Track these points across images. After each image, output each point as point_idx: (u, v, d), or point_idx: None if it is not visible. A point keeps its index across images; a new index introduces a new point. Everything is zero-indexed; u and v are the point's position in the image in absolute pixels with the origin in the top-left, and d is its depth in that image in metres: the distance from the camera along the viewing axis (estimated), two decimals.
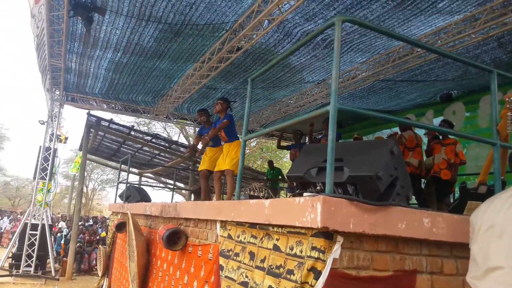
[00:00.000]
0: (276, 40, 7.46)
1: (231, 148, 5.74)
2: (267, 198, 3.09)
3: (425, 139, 6.91)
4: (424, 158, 6.59)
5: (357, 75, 8.79)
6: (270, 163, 11.40)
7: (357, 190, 2.45)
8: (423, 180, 6.67)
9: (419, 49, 7.30)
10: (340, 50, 2.39)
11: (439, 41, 6.84)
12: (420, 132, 6.72)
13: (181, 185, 18.25)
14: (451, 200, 6.37)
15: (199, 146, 6.67)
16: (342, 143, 2.87)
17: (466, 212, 3.26)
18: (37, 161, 11.48)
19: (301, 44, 2.75)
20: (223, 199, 6.35)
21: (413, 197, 6.52)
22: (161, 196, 43.04)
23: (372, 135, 11.18)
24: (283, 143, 11.32)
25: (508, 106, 2.73)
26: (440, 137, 6.36)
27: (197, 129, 24.39)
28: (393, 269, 2.21)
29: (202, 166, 6.42)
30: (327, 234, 2.04)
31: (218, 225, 3.26)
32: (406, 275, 2.25)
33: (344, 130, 11.93)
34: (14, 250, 11.27)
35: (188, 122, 14.28)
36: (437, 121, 9.39)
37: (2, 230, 19.94)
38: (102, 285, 8.68)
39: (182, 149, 14.52)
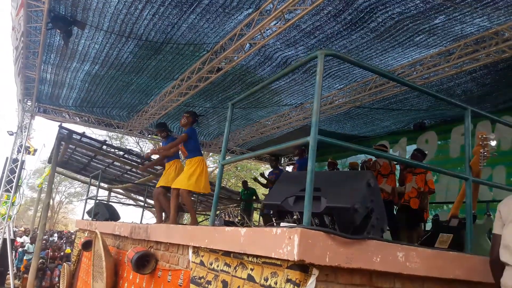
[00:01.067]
0: (256, 62, 7.53)
1: (190, 165, 5.31)
2: (242, 224, 3.04)
3: (398, 166, 7.05)
4: (397, 185, 6.70)
5: (334, 100, 8.93)
6: (244, 183, 11.34)
7: (333, 221, 2.44)
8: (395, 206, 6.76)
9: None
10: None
11: (414, 72, 7.06)
12: None
13: (152, 202, 17.86)
14: (423, 228, 6.48)
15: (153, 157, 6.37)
16: (320, 172, 2.88)
17: (437, 245, 3.30)
18: (3, 172, 11.04)
19: (283, 74, 2.77)
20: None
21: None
22: (130, 212, 42.11)
23: (346, 159, 11.32)
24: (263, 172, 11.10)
25: (480, 143, 2.81)
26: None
27: None
28: None
29: (158, 183, 6.00)
30: (303, 267, 2.02)
31: (191, 251, 3.19)
32: None
33: (318, 153, 11.99)
34: None
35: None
36: (410, 148, 9.61)
37: None
38: None
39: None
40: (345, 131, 10.81)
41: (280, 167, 8.66)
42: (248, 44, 6.66)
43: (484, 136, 2.84)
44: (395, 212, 6.71)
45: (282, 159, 15.16)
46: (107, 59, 7.91)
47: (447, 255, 2.55)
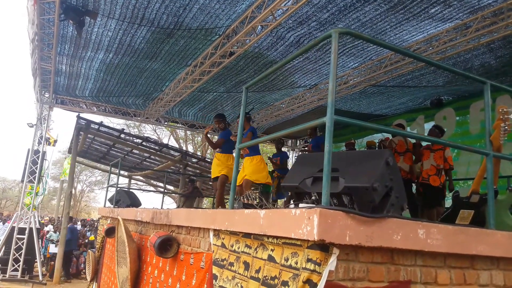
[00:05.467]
0: (269, 43, 7.46)
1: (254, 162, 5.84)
2: (261, 206, 3.07)
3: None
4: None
5: (349, 80, 8.83)
6: None
7: (352, 201, 2.45)
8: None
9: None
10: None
11: (430, 48, 6.91)
12: None
13: (172, 187, 18.13)
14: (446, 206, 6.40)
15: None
16: (338, 152, 2.87)
17: (458, 221, 3.28)
18: (26, 164, 11.32)
19: (296, 55, 2.74)
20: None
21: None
22: (151, 199, 42.71)
23: (362, 139, 11.23)
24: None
25: (501, 117, 2.75)
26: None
27: (188, 132, 24.12)
28: (388, 280, 2.21)
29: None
30: (323, 246, 2.03)
31: (211, 234, 3.24)
32: (401, 286, 2.25)
33: (334, 133, 11.92)
34: (0, 254, 11.09)
35: (179, 125, 14.21)
36: (428, 126, 9.48)
37: None
38: None
39: (172, 152, 14.45)
40: (361, 110, 10.69)
41: (283, 150, 8.62)
42: (259, 26, 6.60)
43: (504, 110, 2.78)
44: (414, 191, 6.66)
45: (298, 141, 15.14)
46: (120, 46, 7.95)
47: (469, 231, 2.53)
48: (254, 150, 5.96)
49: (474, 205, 3.21)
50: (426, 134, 8.88)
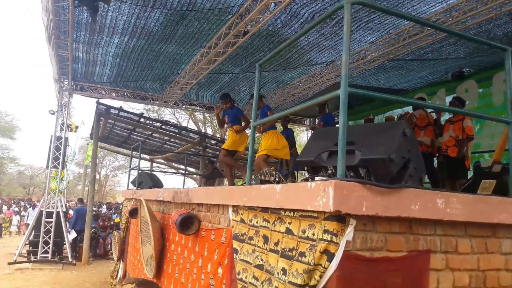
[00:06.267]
0: (283, 21, 7.35)
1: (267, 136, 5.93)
2: (278, 183, 3.10)
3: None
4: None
5: (367, 55, 8.66)
6: None
7: (369, 173, 2.44)
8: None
9: (429, 28, 7.16)
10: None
11: (450, 19, 6.69)
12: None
13: (193, 170, 18.37)
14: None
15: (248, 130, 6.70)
16: (354, 126, 2.85)
17: (480, 191, 3.24)
18: (49, 150, 11.62)
19: (308, 29, 2.71)
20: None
21: (426, 176, 6.48)
22: (172, 181, 43.46)
23: (383, 115, 11.08)
24: None
25: None
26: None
27: (206, 114, 24.26)
28: (407, 249, 2.21)
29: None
30: (340, 217, 2.05)
31: (230, 210, 3.29)
32: (420, 255, 2.25)
33: (353, 110, 11.83)
34: (31, 237, 11.52)
35: (197, 108, 14.28)
36: (449, 99, 9.25)
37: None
38: (118, 269, 8.87)
39: (192, 134, 14.58)
40: (380, 85, 10.51)
41: (288, 127, 8.60)
42: (273, 4, 6.51)
43: None
44: (435, 165, 6.58)
45: (316, 120, 15.05)
46: (135, 30, 7.97)
47: (490, 199, 2.50)
48: (270, 127, 6.03)
49: (496, 175, 3.16)
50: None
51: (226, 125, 6.80)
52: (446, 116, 7.38)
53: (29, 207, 20.91)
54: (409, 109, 8.48)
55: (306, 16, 7.08)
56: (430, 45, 7.77)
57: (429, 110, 6.67)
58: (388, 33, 7.75)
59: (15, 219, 20.51)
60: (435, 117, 6.76)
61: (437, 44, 7.71)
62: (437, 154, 6.50)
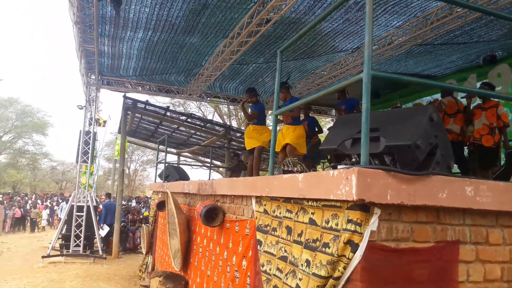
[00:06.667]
0: (306, 7, 7.20)
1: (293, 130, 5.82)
2: (301, 172, 3.04)
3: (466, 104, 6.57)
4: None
5: (393, 40, 8.41)
6: None
7: (394, 161, 2.36)
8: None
9: (459, 9, 6.87)
10: (374, 13, 2.26)
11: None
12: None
13: (218, 163, 18.49)
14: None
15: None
16: (378, 112, 2.76)
17: None
18: (78, 145, 11.91)
19: (328, 13, 2.62)
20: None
21: (456, 166, 6.25)
22: (199, 174, 43.93)
23: (411, 103, 10.78)
24: None
25: None
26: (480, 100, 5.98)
27: (231, 107, 24.32)
28: (434, 240, 2.13)
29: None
30: (364, 207, 1.98)
31: (253, 201, 3.26)
32: (449, 246, 2.17)
33: (381, 99, 11.58)
34: (63, 231, 11.87)
35: (221, 100, 14.31)
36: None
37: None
38: (147, 263, 9.03)
39: (217, 127, 14.64)
40: (408, 71, 10.21)
41: (310, 115, 8.39)
42: None
43: None
44: (466, 154, 6.33)
45: (334, 111, 14.80)
46: (158, 22, 8.02)
47: None
48: (296, 121, 5.95)
49: None
50: None
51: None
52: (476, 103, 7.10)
53: (62, 202, 21.57)
54: (438, 96, 8.22)
55: (329, 1, 6.92)
56: (460, 28, 7.46)
57: (459, 97, 6.42)
58: (416, 16, 7.49)
59: (45, 213, 21.21)
60: (466, 103, 6.50)
61: (467, 26, 7.39)
62: (467, 143, 6.25)
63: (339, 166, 2.37)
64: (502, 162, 5.95)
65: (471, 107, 6.16)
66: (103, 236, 12.21)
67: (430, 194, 2.05)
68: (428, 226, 2.12)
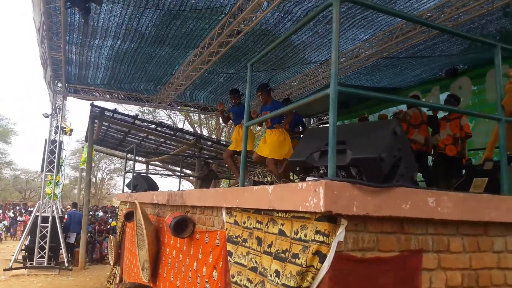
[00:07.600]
0: (276, 20, 7.33)
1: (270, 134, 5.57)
2: (271, 183, 3.08)
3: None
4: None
5: (360, 53, 8.66)
6: None
7: (360, 173, 2.43)
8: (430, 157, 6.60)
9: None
10: (342, 26, 2.35)
11: (442, 15, 6.70)
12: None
13: (189, 171, 18.34)
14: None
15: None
16: (345, 125, 2.84)
17: (472, 189, 3.23)
18: (44, 154, 11.55)
19: (297, 28, 2.69)
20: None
21: (421, 175, 6.47)
22: (169, 183, 43.31)
23: (377, 113, 11.09)
24: None
25: None
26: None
27: (202, 116, 24.13)
28: (399, 249, 2.21)
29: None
30: (331, 218, 2.03)
31: (224, 212, 3.27)
32: (412, 254, 2.24)
33: (348, 110, 11.85)
34: (26, 242, 11.44)
35: (191, 108, 14.24)
36: (443, 97, 9.25)
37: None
38: (115, 274, 8.82)
39: (187, 136, 14.54)
40: (374, 84, 10.52)
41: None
42: (265, 2, 6.50)
43: None
44: (430, 163, 6.57)
45: (312, 120, 15.02)
46: (127, 32, 7.94)
47: (481, 197, 2.50)
48: (276, 120, 5.54)
49: (488, 173, 3.16)
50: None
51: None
52: (440, 114, 7.39)
53: (24, 212, 20.86)
54: (404, 107, 8.49)
55: (299, 14, 7.06)
56: (423, 42, 7.77)
57: (423, 109, 6.66)
58: (381, 30, 7.76)
59: (1, 224, 20.52)
60: (431, 113, 6.76)
61: (430, 41, 7.72)
62: (431, 152, 6.49)
63: (307, 178, 2.42)
64: None
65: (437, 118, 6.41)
66: (72, 242, 11.86)
67: (394, 205, 2.13)
68: (393, 236, 2.20)
